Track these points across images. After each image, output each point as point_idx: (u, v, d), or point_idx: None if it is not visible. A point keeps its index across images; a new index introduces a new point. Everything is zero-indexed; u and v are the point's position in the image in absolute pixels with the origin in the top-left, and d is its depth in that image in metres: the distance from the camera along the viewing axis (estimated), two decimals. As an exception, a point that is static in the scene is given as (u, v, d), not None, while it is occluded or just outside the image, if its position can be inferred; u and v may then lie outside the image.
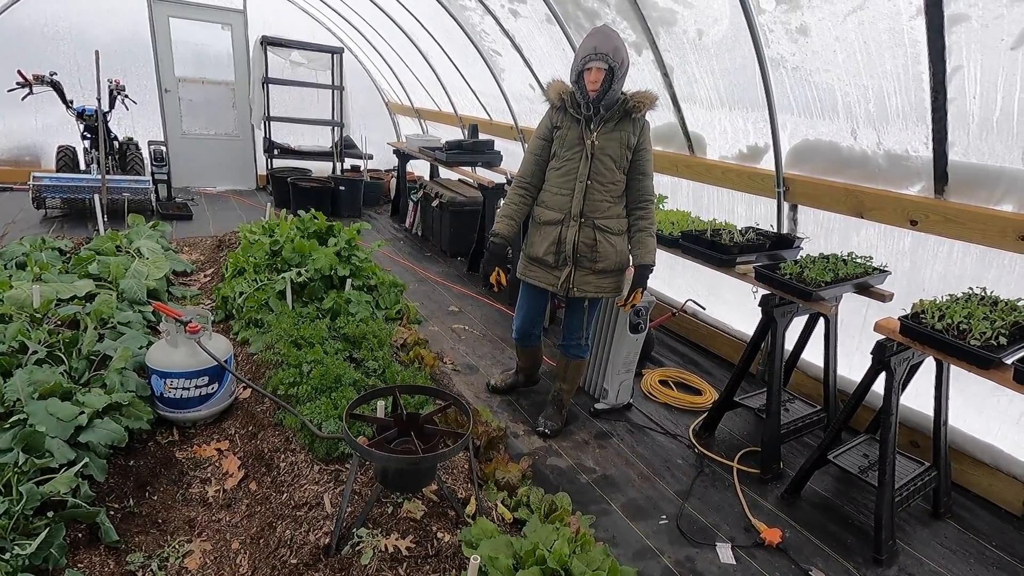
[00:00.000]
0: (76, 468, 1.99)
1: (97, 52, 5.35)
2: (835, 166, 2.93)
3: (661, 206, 3.92)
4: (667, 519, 2.46)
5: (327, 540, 1.90)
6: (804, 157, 3.06)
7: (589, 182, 2.50)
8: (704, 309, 3.72)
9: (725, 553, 2.30)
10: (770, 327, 2.71)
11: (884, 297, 2.63)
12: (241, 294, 3.59)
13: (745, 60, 3.01)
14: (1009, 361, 1.88)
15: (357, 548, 1.87)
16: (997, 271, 2.52)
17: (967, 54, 2.21)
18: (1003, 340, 1.90)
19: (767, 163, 3.28)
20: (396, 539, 1.90)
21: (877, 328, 2.25)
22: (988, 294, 2.33)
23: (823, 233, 3.18)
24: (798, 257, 3.02)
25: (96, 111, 5.63)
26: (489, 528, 1.77)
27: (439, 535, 1.97)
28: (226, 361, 2.64)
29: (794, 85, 2.90)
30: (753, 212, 3.55)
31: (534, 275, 2.73)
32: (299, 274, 3.52)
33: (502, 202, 5.16)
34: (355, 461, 1.94)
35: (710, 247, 2.88)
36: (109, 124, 6.13)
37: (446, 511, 2.11)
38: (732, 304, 3.88)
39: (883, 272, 2.68)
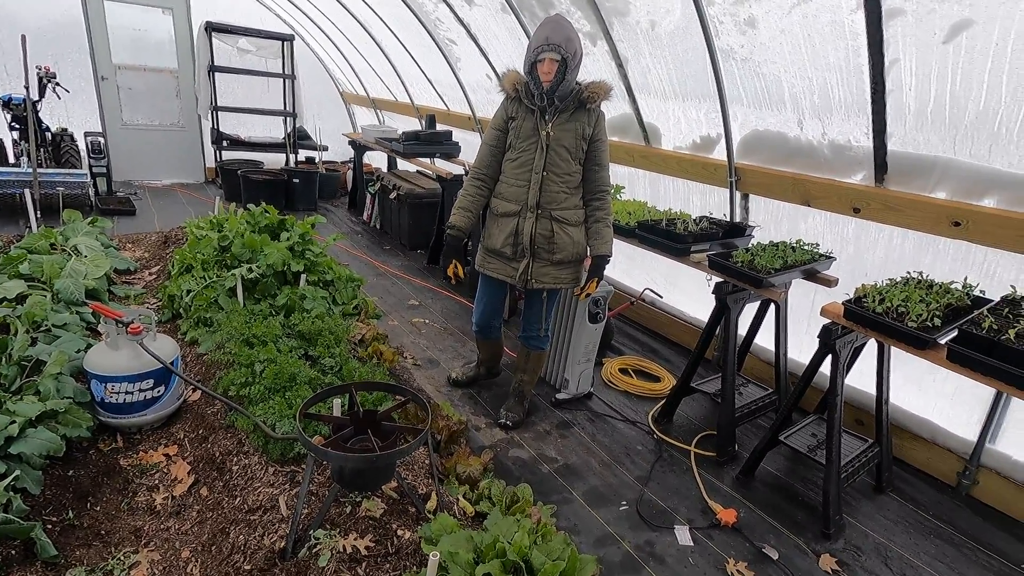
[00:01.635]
0: (6, 481, 1.86)
1: (23, 36, 5.01)
2: (783, 156, 3.01)
3: (618, 196, 3.95)
4: (627, 505, 2.50)
5: (283, 544, 1.85)
6: (754, 147, 3.13)
7: (545, 173, 2.49)
8: (661, 297, 3.78)
9: (683, 535, 2.36)
10: (724, 314, 2.78)
11: (830, 282, 2.73)
12: (189, 292, 3.44)
13: (697, 51, 3.05)
14: (943, 341, 1.98)
15: (314, 550, 1.82)
16: (932, 256, 2.64)
17: (903, 47, 2.30)
18: (937, 322, 2.00)
19: (719, 153, 3.35)
20: (355, 539, 1.86)
21: (823, 312, 2.33)
22: (924, 278, 2.44)
23: (773, 221, 3.27)
24: (750, 245, 3.10)
25: (24, 100, 5.27)
26: (449, 523, 1.75)
27: (399, 533, 1.94)
28: (172, 363, 2.52)
29: (744, 76, 2.96)
30: (707, 201, 3.62)
31: (492, 267, 2.71)
32: (250, 270, 3.40)
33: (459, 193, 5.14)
34: (310, 461, 1.89)
35: (666, 236, 2.92)
36: (40, 114, 5.75)
37: (406, 508, 2.09)
38: (688, 292, 3.96)
39: (829, 258, 2.78)
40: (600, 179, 2.57)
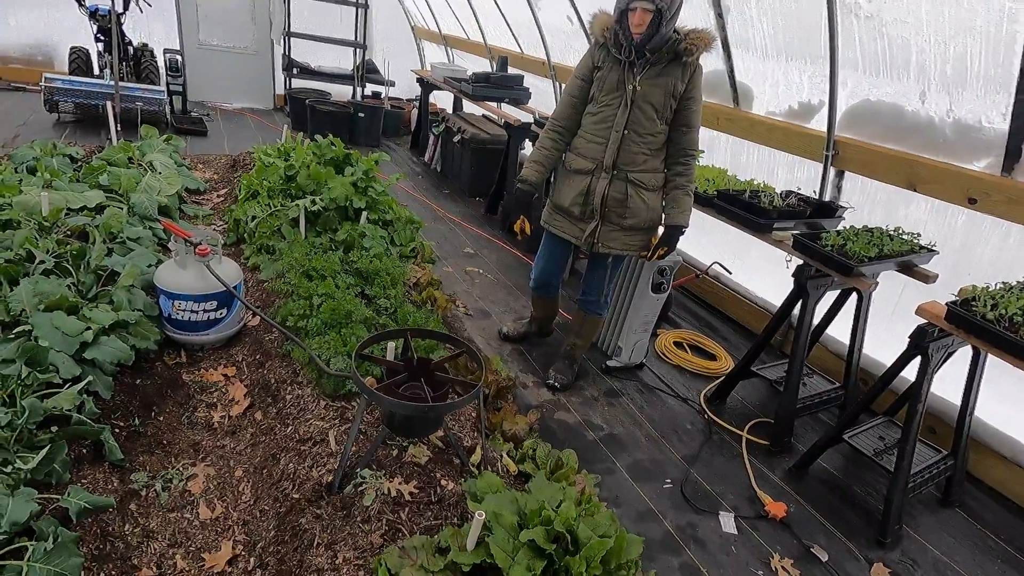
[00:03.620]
0: (81, 385, 1.96)
1: (110, -54, 5.03)
2: (894, 132, 2.70)
3: (697, 161, 3.69)
4: (672, 483, 2.43)
5: (330, 478, 1.88)
6: (861, 119, 2.82)
7: (626, 132, 2.31)
8: (730, 273, 3.58)
9: (728, 522, 2.28)
10: (802, 299, 2.59)
11: (927, 278, 2.48)
12: (253, 218, 3.49)
13: (812, 3, 2.72)
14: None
15: (360, 488, 1.84)
16: (1056, 261, 2.35)
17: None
18: (1060, 338, 1.77)
19: (818, 123, 3.05)
20: (399, 483, 1.87)
21: (920, 312, 2.12)
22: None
23: (868, 204, 2.99)
24: (840, 228, 2.85)
25: (109, 11, 5.36)
26: (495, 483, 1.73)
27: (443, 483, 1.94)
28: (235, 287, 2.57)
29: (864, 37, 2.62)
30: (794, 175, 3.34)
31: (558, 225, 2.59)
32: (313, 202, 3.40)
33: (528, 144, 4.94)
34: (362, 403, 1.89)
35: (747, 209, 2.71)
36: (123, 27, 5.85)
37: (451, 458, 2.08)
38: (756, 270, 3.73)
39: (931, 251, 2.51)
40: (687, 142, 2.38)
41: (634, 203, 2.40)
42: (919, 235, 2.58)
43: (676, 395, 3.06)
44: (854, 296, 2.77)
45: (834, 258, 2.32)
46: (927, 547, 2.32)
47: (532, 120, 4.60)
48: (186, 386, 2.45)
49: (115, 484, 1.86)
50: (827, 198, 3.11)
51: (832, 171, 3.07)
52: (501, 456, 2.18)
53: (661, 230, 2.55)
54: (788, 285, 3.21)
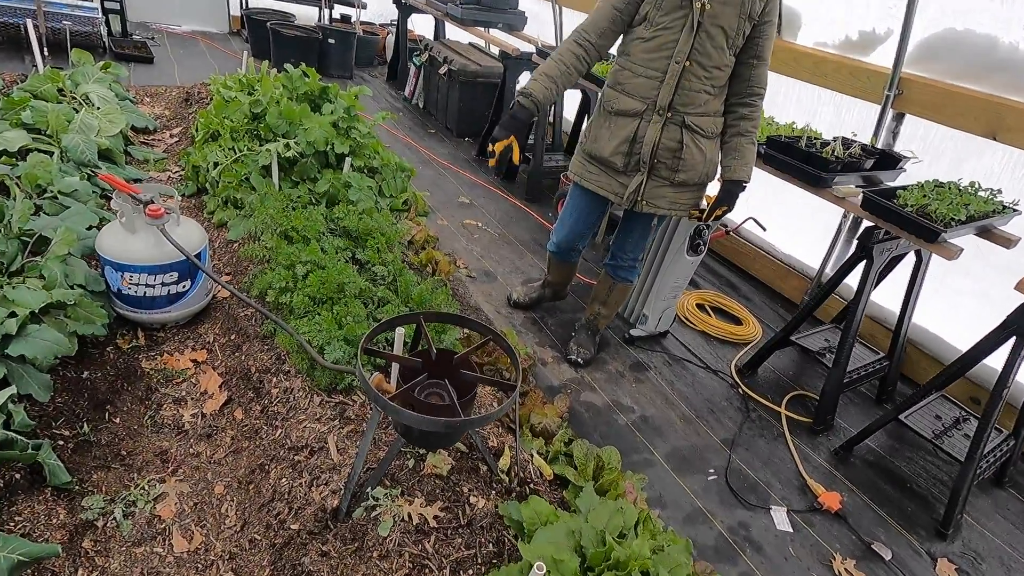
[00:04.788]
0: (6, 393, 1.52)
1: None
2: (979, 69, 2.31)
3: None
4: (715, 474, 2.18)
5: (335, 501, 1.54)
6: (938, 53, 2.42)
7: (688, 63, 1.86)
8: (765, 230, 3.23)
9: (781, 518, 2.05)
10: (865, 265, 2.27)
11: (1009, 242, 2.17)
12: (216, 165, 2.96)
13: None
14: None
15: (374, 514, 1.51)
16: None
17: None
18: None
19: (882, 57, 2.63)
20: (421, 505, 1.54)
21: (1021, 287, 1.82)
22: None
23: (930, 154, 2.63)
24: (899, 182, 2.51)
25: (20, -94, 4.43)
26: (543, 510, 1.41)
27: (471, 499, 1.62)
28: (198, 255, 2.11)
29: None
30: (841, 118, 2.95)
31: (594, 179, 2.15)
32: (287, 146, 2.87)
33: (526, 75, 4.37)
34: (375, 414, 1.52)
35: (805, 160, 2.33)
36: (40, -73, 4.89)
37: (477, 465, 1.76)
38: (781, 225, 3.39)
39: (1015, 211, 2.20)
40: (758, 77, 1.95)
41: (689, 153, 1.99)
42: (1000, 191, 2.26)
43: (706, 367, 2.78)
44: (914, 261, 2.47)
45: (919, 222, 1.99)
46: (986, 535, 2.15)
47: (534, 50, 4.04)
48: (147, 376, 2.03)
49: (62, 516, 1.49)
50: (880, 145, 2.75)
51: (890, 114, 2.69)
52: (532, 456, 1.86)
53: (713, 185, 2.16)
54: (813, 239, 2.94)
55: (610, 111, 2.01)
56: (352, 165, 3.03)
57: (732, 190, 2.07)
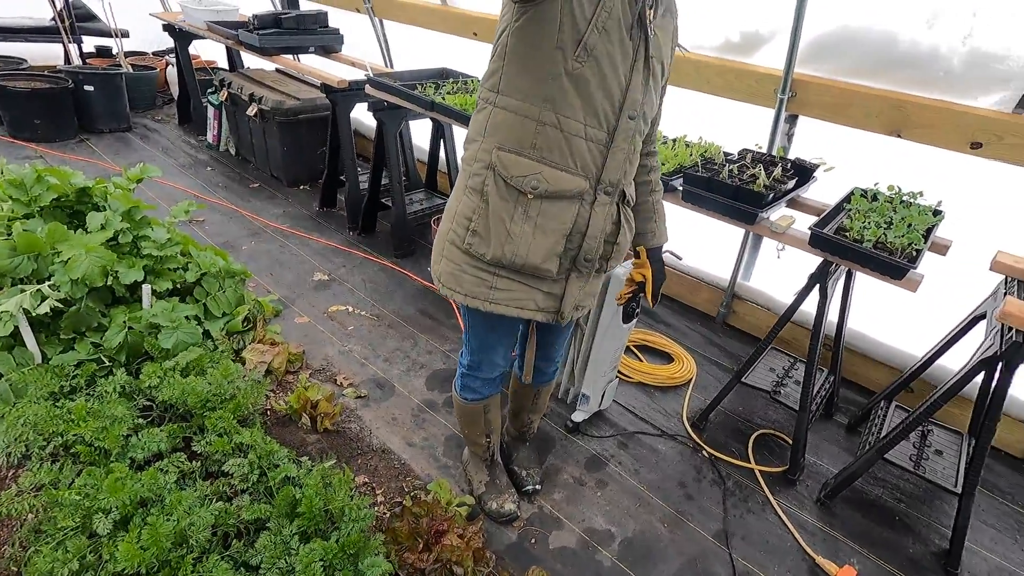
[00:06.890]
0: None
1: None
2: (878, 66, 2.13)
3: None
4: (729, 594, 1.82)
5: None
6: (832, 51, 2.21)
7: (644, 111, 1.33)
8: (681, 259, 2.94)
9: (813, 631, 1.74)
10: (820, 300, 2.02)
11: (944, 249, 2.04)
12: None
13: None
14: None
15: None
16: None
17: None
18: None
19: (766, 57, 2.40)
20: None
21: (1003, 316, 1.64)
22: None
23: (830, 155, 2.47)
24: (812, 192, 2.32)
25: None
26: None
27: None
28: None
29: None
30: (737, 125, 2.69)
31: (508, 299, 1.45)
32: (40, 295, 1.92)
33: (360, 107, 3.60)
34: None
35: (735, 197, 2.00)
36: None
37: None
38: (685, 240, 3.15)
39: (941, 213, 2.07)
40: (658, 119, 1.51)
41: (623, 236, 1.48)
42: (920, 193, 2.12)
43: (662, 432, 2.42)
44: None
45: (881, 259, 1.73)
46: (986, 555, 2.05)
47: (365, 75, 3.31)
48: None
49: None
50: (774, 151, 2.54)
51: (783, 117, 2.49)
52: None
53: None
54: (719, 245, 2.82)
55: (532, 194, 1.33)
56: (154, 292, 2.15)
57: (660, 257, 1.66)
